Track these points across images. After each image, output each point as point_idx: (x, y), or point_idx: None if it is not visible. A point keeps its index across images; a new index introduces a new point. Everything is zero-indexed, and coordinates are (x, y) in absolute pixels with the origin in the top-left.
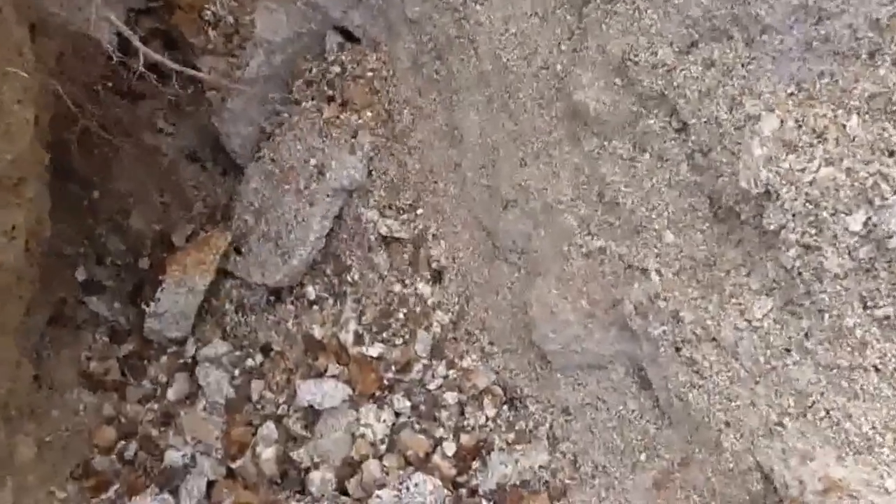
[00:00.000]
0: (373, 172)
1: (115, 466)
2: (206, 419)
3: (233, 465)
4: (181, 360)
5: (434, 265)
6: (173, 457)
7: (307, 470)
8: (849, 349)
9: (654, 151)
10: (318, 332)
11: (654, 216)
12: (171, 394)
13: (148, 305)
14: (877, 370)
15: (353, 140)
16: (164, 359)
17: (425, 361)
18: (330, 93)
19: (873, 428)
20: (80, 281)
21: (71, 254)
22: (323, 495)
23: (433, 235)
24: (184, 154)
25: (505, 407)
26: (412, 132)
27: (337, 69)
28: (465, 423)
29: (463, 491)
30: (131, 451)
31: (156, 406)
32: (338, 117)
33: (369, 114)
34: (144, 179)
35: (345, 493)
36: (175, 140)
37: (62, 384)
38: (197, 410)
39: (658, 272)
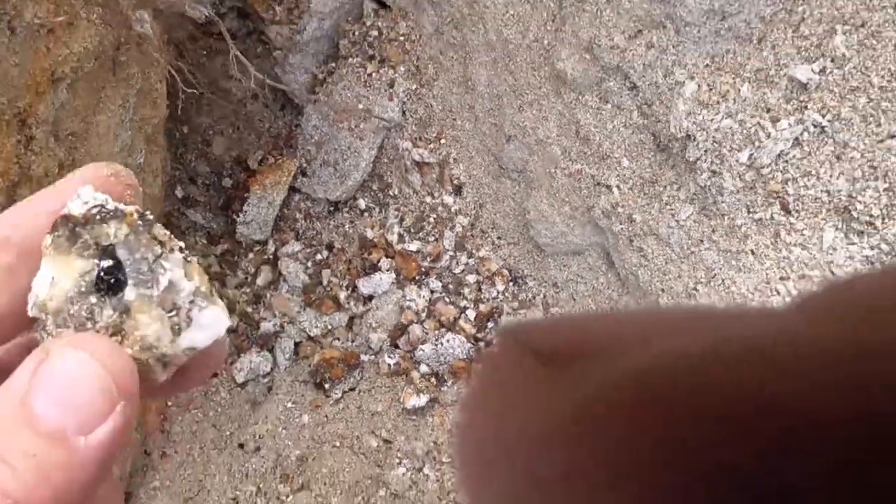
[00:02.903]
0: (406, 113)
1: None
2: (288, 299)
3: (311, 333)
4: (265, 256)
5: (455, 182)
6: (266, 326)
7: (368, 331)
8: (737, 240)
9: (614, 103)
10: (369, 234)
11: (615, 147)
12: (260, 281)
13: (237, 216)
14: (753, 253)
15: (390, 89)
16: (251, 256)
17: (451, 253)
18: (371, 52)
19: (749, 290)
20: (180, 197)
21: (170, 177)
22: (381, 348)
23: (454, 159)
24: (251, 96)
25: (510, 284)
26: (435, 82)
27: (375, 33)
28: (482, 296)
29: (482, 343)
30: (234, 322)
31: (248, 290)
32: (378, 71)
33: (402, 69)
34: (221, 115)
35: (397, 347)
36: (244, 85)
37: None
38: (281, 293)
39: (618, 187)
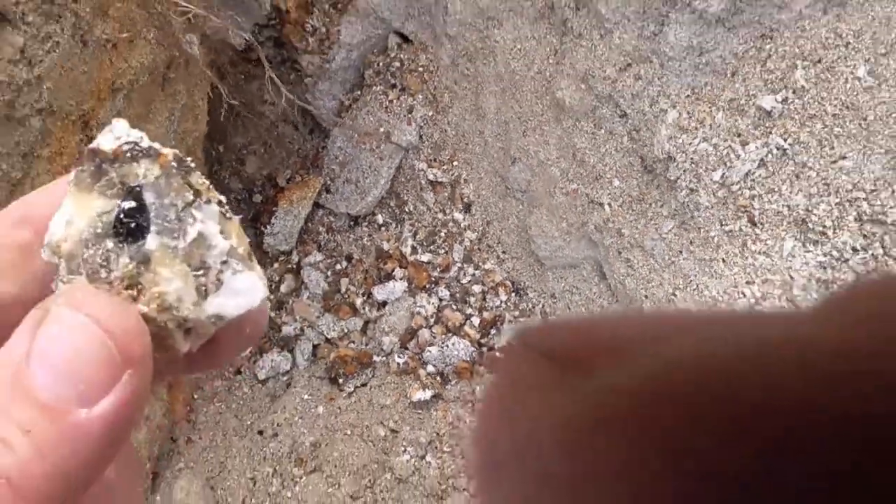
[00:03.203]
0: (423, 137)
1: None
2: (309, 305)
3: (328, 336)
4: (289, 266)
5: (465, 200)
6: (287, 329)
7: (381, 334)
8: (710, 249)
9: (606, 129)
10: (385, 246)
11: (607, 169)
12: (283, 288)
13: (265, 228)
14: (723, 261)
15: (409, 115)
16: (276, 265)
17: (459, 265)
18: (392, 81)
19: (719, 294)
20: None
21: None
22: (392, 350)
23: (464, 180)
24: (282, 118)
25: (513, 294)
26: (450, 109)
27: (397, 64)
28: (486, 304)
29: (484, 348)
30: (271, 296)
31: (272, 296)
32: (398, 98)
33: (420, 97)
34: (255, 136)
35: (406, 348)
36: (276, 108)
37: None
38: (302, 299)
39: (609, 205)
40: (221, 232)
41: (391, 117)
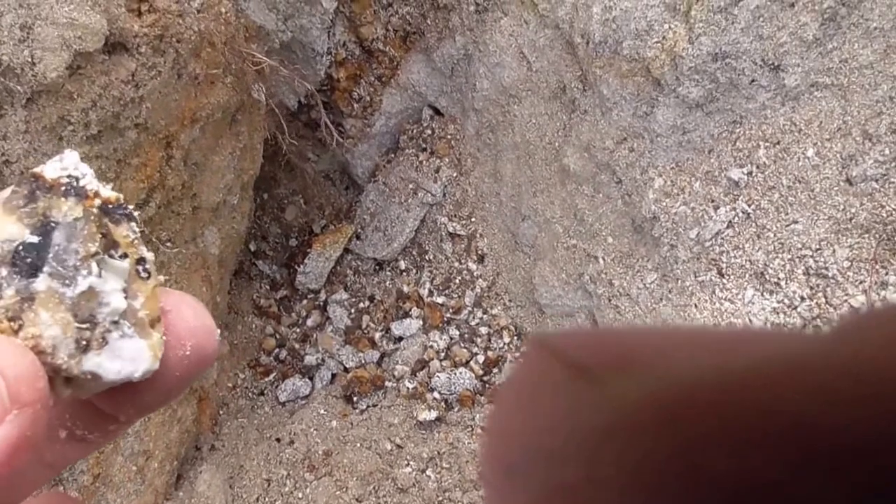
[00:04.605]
0: (446, 195)
1: (273, 363)
2: (331, 338)
3: (347, 366)
4: (316, 303)
5: (479, 252)
6: (310, 359)
7: (395, 364)
8: (685, 297)
9: (604, 192)
10: (405, 289)
11: (602, 227)
12: (309, 322)
13: (299, 268)
14: (696, 306)
15: (436, 174)
16: (305, 301)
17: (470, 308)
18: (424, 146)
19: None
20: (252, 250)
21: (246, 233)
22: (403, 376)
23: (480, 234)
24: (322, 175)
25: (515, 337)
26: (472, 172)
27: (429, 132)
28: (491, 345)
29: (487, 384)
30: (283, 354)
31: (298, 329)
32: (428, 160)
33: (447, 160)
34: (296, 189)
35: (416, 376)
36: (318, 165)
37: (243, 312)
38: (326, 332)
39: (603, 259)
40: (125, 291)
41: (420, 176)
